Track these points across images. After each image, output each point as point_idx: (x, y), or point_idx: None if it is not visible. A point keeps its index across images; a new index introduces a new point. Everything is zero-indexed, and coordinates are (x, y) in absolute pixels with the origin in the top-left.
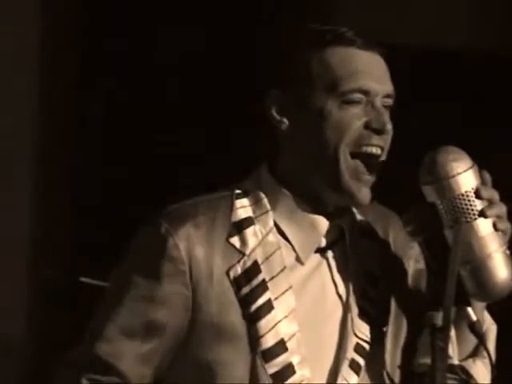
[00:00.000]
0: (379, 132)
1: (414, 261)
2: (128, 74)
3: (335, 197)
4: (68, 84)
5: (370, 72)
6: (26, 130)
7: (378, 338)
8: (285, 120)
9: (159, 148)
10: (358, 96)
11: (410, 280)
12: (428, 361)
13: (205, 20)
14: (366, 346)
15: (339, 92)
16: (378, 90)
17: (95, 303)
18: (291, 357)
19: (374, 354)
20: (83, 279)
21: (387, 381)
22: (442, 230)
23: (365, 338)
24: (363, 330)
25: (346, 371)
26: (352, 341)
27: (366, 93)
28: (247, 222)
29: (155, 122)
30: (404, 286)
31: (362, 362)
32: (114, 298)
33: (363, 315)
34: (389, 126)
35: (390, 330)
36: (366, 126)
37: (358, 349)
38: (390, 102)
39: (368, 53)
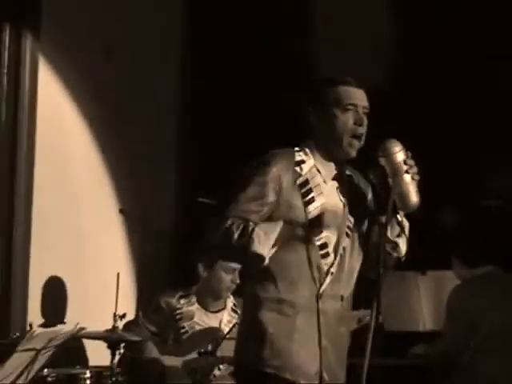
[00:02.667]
0: (360, 125)
1: (370, 192)
2: None
3: (340, 153)
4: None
5: (356, 96)
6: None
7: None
8: (315, 120)
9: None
10: (350, 107)
11: (367, 201)
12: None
13: None
14: (351, 228)
15: (342, 105)
16: (360, 104)
17: None
18: (323, 222)
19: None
20: (200, 199)
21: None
22: (387, 178)
23: (350, 225)
24: (350, 220)
25: (343, 237)
26: (345, 223)
27: (354, 106)
28: (302, 161)
29: None
30: (365, 204)
31: (349, 233)
32: (243, 186)
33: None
34: (365, 123)
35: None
36: (355, 122)
37: (347, 229)
38: (366, 111)
39: (356, 88)
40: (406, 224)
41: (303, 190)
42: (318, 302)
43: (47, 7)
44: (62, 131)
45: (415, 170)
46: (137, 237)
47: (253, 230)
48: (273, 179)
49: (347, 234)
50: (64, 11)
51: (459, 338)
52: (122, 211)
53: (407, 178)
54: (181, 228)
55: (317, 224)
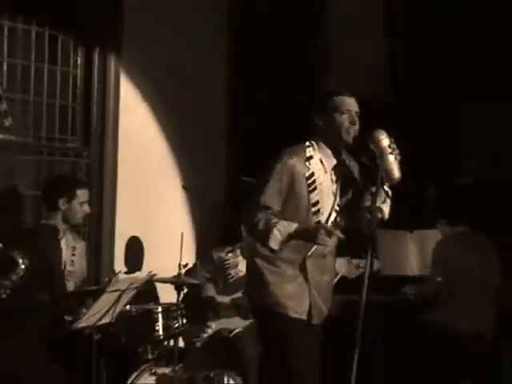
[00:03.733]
0: (354, 124)
1: (357, 170)
2: None
3: (340, 144)
4: None
5: (349, 103)
6: None
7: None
8: (320, 122)
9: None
10: (346, 111)
11: (355, 176)
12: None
13: None
14: (339, 205)
15: (339, 110)
16: (353, 109)
17: None
18: (320, 204)
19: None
20: (244, 178)
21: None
22: (376, 159)
23: (339, 203)
24: (338, 200)
25: (333, 213)
26: (336, 202)
27: (348, 110)
28: (310, 157)
29: None
30: (352, 178)
31: (337, 209)
32: (266, 178)
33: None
34: (357, 123)
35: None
36: (350, 122)
37: (337, 206)
38: (357, 113)
39: (349, 97)
40: (390, 194)
41: (309, 181)
42: (305, 258)
43: (127, 34)
44: (139, 132)
45: (397, 152)
46: (195, 206)
47: (272, 227)
48: (288, 171)
49: (336, 211)
50: (140, 36)
51: (439, 281)
52: (184, 187)
53: (391, 158)
54: (229, 200)
55: (316, 208)
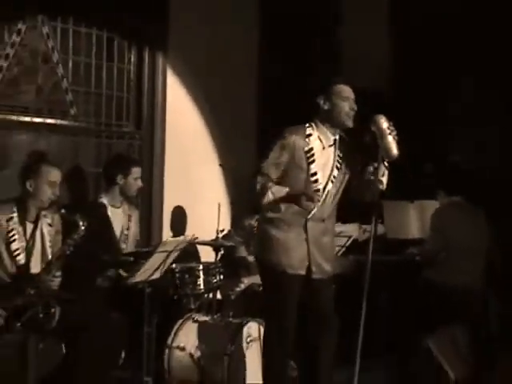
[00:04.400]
0: (352, 110)
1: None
2: None
3: (340, 125)
4: None
5: (349, 91)
6: None
7: (340, 177)
8: (324, 105)
9: None
10: (346, 97)
11: (352, 153)
12: (371, 177)
13: None
14: (335, 177)
15: (341, 97)
16: (351, 96)
17: None
18: (318, 175)
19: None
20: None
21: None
22: (377, 139)
23: (335, 175)
24: (335, 173)
25: (329, 183)
26: (332, 174)
27: (349, 98)
28: (310, 134)
29: None
30: (351, 154)
31: (333, 180)
32: (270, 151)
33: (337, 166)
34: (355, 108)
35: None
36: (350, 108)
37: (333, 178)
38: (354, 99)
39: (349, 87)
40: (387, 165)
41: (308, 155)
42: (306, 221)
43: (172, 36)
44: (183, 118)
45: (395, 132)
46: (230, 181)
47: (267, 189)
48: (288, 147)
49: (332, 180)
50: (183, 37)
51: (437, 242)
52: (221, 165)
53: (390, 138)
54: None
55: (314, 178)
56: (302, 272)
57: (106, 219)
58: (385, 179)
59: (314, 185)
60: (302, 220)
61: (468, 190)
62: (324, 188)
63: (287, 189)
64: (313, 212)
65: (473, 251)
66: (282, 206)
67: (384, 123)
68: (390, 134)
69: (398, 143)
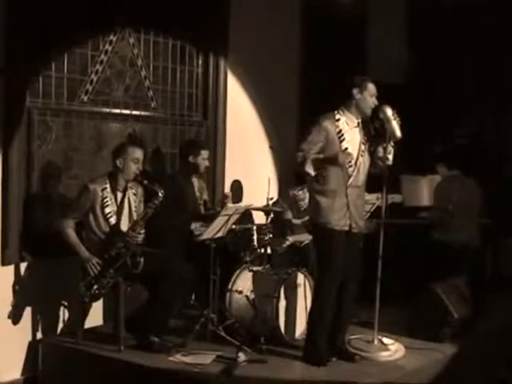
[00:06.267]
0: (374, 104)
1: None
2: None
3: (365, 113)
4: None
5: (374, 89)
6: None
7: (367, 152)
8: (356, 96)
9: None
10: (373, 94)
11: (370, 135)
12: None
13: None
14: (363, 151)
15: (371, 92)
16: (375, 94)
17: None
18: (349, 150)
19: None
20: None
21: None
22: (384, 124)
23: (364, 149)
24: (363, 147)
25: (359, 156)
26: (361, 148)
27: (374, 94)
28: (339, 119)
29: None
30: (370, 136)
31: (363, 154)
32: (309, 133)
33: (363, 142)
34: (376, 103)
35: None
36: (372, 102)
37: (362, 152)
38: (377, 96)
39: (373, 85)
40: (393, 147)
41: (339, 135)
42: (346, 189)
43: (231, 43)
44: (240, 110)
45: (398, 119)
46: (278, 159)
47: (306, 159)
48: (323, 129)
49: (361, 155)
50: (240, 44)
51: (440, 208)
52: (271, 147)
53: (394, 123)
54: None
55: (345, 151)
56: (346, 228)
57: (179, 189)
58: (391, 156)
59: (347, 158)
60: (343, 188)
61: (465, 166)
62: (356, 161)
63: (322, 155)
64: (350, 180)
65: (470, 214)
66: (327, 178)
67: (389, 111)
68: (394, 119)
69: (401, 127)
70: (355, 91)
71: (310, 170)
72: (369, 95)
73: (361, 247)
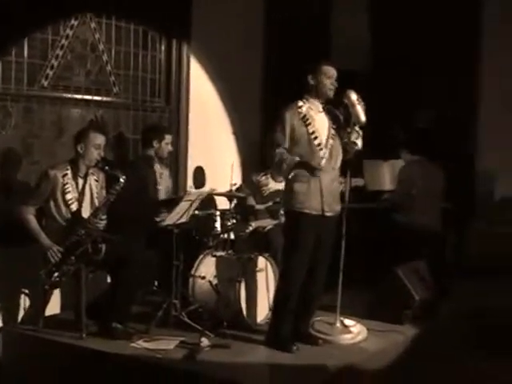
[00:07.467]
0: (333, 85)
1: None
2: None
3: (325, 97)
4: None
5: (333, 72)
6: None
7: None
8: (312, 82)
9: None
10: (330, 75)
11: (339, 120)
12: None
13: None
14: (333, 134)
15: (327, 75)
16: (334, 76)
17: None
18: (316, 133)
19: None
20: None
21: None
22: (349, 108)
23: (333, 132)
24: (332, 131)
25: (329, 139)
26: (330, 132)
27: (331, 76)
28: (301, 106)
29: None
30: (338, 121)
31: (333, 137)
32: (277, 126)
33: (332, 126)
34: (336, 85)
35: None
36: (331, 84)
37: (332, 135)
38: (336, 77)
39: (332, 67)
40: (360, 132)
41: (304, 119)
42: (319, 173)
43: (194, 30)
44: (203, 96)
45: (363, 103)
46: (241, 145)
47: (283, 162)
48: (287, 121)
49: (332, 138)
50: (202, 31)
51: (403, 192)
52: (234, 133)
53: (358, 107)
54: (263, 141)
55: (314, 135)
56: (319, 212)
57: (141, 175)
58: (359, 141)
59: (316, 141)
60: (316, 173)
61: (427, 151)
62: (326, 144)
63: (298, 158)
64: (323, 164)
65: (432, 198)
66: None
67: (353, 96)
68: (358, 104)
69: (366, 112)
70: (310, 77)
71: (285, 175)
72: (325, 77)
73: (334, 231)
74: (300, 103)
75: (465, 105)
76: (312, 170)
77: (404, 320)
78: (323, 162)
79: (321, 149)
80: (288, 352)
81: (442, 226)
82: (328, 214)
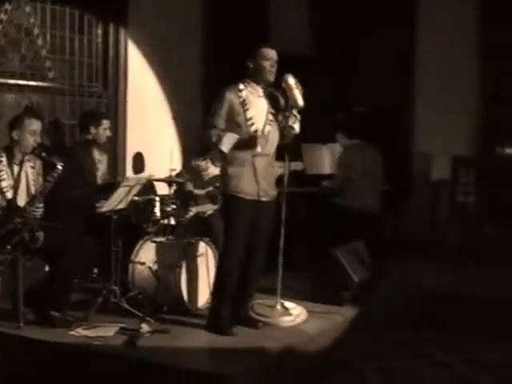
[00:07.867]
0: (273, 67)
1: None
2: None
3: (265, 80)
4: None
5: (271, 54)
6: None
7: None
8: (251, 65)
9: None
10: (269, 57)
11: (279, 104)
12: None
13: None
14: (271, 119)
15: (265, 58)
16: (273, 58)
17: None
18: (253, 119)
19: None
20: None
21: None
22: (287, 92)
23: (271, 117)
24: (270, 115)
25: (267, 124)
26: (268, 117)
27: (270, 58)
28: (242, 89)
29: None
30: (277, 105)
31: (270, 122)
32: (214, 106)
33: (271, 112)
34: (275, 66)
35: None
36: (271, 66)
37: (269, 120)
38: (276, 60)
39: (271, 49)
40: (298, 116)
41: (243, 104)
42: (254, 158)
43: (131, 14)
44: (141, 80)
45: (300, 88)
46: (181, 130)
47: (222, 137)
48: (226, 101)
49: (269, 124)
50: (140, 15)
51: (344, 177)
52: (173, 118)
53: (296, 91)
54: (204, 125)
55: (251, 121)
56: (255, 197)
57: (79, 161)
58: (296, 125)
59: (252, 128)
60: (249, 157)
61: (365, 134)
62: (263, 130)
63: (237, 136)
64: (259, 150)
65: (371, 181)
66: (236, 150)
67: (291, 80)
68: (296, 88)
69: (303, 95)
70: (249, 60)
71: (226, 148)
72: (264, 60)
73: (271, 216)
74: (241, 86)
75: (401, 90)
76: (247, 153)
77: (343, 301)
78: (259, 148)
79: (257, 133)
80: (228, 335)
81: (381, 208)
82: (264, 199)
